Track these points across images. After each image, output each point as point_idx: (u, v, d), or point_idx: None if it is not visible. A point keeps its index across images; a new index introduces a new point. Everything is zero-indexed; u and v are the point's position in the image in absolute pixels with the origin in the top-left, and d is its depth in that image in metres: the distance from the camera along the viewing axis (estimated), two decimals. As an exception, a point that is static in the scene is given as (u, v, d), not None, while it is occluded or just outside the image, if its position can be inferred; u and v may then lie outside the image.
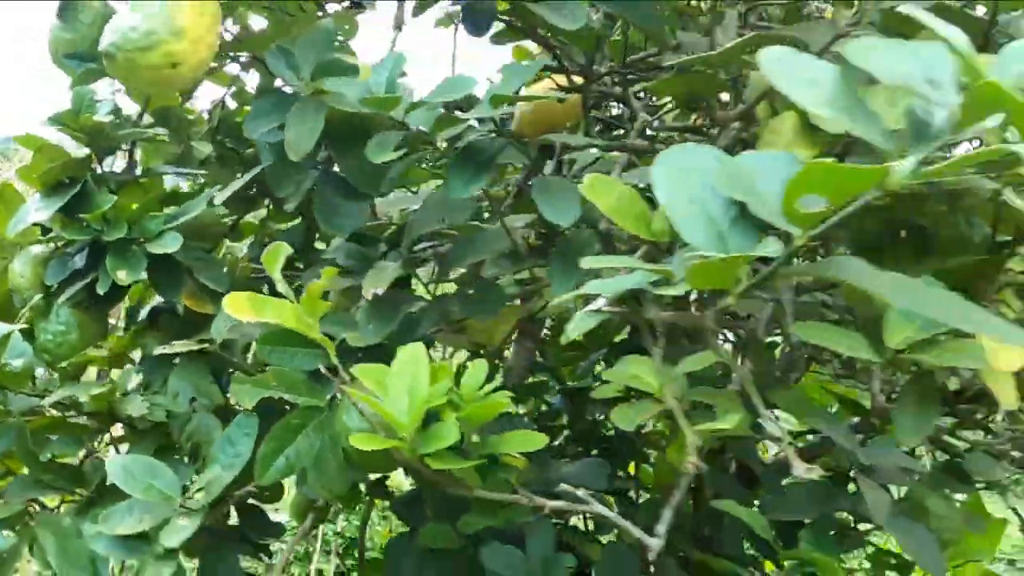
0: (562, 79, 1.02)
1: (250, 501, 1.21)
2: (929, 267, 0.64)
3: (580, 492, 0.72)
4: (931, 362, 0.52)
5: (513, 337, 1.30)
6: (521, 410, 1.55)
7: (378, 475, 1.19)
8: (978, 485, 1.56)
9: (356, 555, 1.84)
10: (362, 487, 1.32)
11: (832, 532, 1.27)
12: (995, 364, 0.49)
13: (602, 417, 1.41)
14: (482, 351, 1.09)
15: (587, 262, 0.48)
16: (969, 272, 0.61)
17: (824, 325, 0.55)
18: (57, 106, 1.01)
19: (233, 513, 1.19)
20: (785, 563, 1.19)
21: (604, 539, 1.32)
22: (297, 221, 1.24)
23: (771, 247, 0.39)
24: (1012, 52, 0.37)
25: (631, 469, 1.47)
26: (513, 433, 0.72)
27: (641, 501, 1.51)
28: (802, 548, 1.18)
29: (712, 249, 0.41)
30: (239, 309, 0.63)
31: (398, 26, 1.15)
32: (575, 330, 0.49)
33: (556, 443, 1.46)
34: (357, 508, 2.00)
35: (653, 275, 0.44)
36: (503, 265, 0.91)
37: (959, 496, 1.68)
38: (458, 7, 0.96)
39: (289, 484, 1.12)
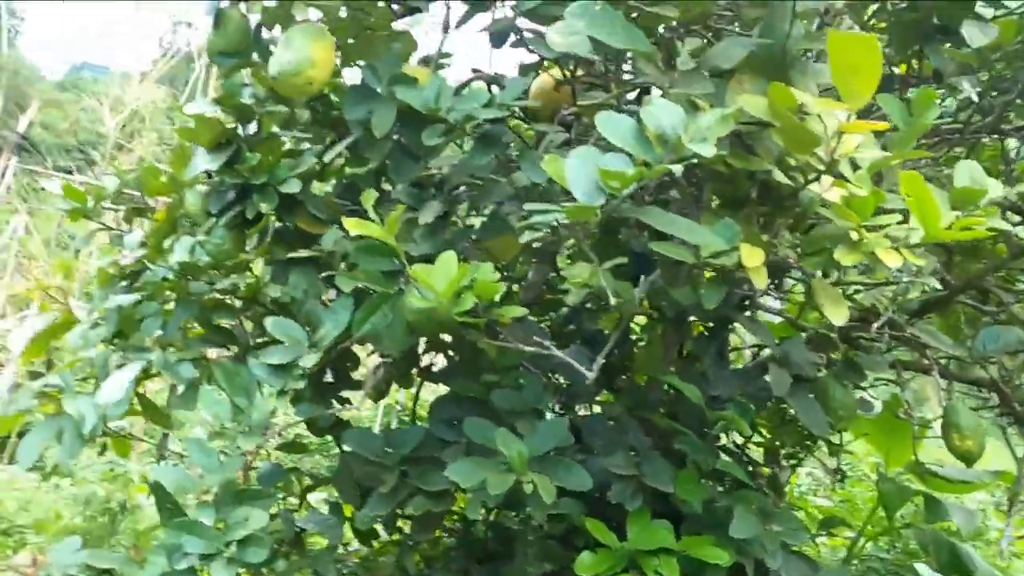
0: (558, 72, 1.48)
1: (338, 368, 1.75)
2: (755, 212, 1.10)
3: (548, 343, 1.21)
4: (722, 263, 0.98)
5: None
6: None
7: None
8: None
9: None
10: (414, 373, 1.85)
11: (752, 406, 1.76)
12: (747, 262, 0.95)
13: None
14: (499, 265, 1.58)
15: (529, 206, 0.95)
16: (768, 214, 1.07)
17: (668, 243, 1.01)
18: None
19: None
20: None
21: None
22: (367, 168, 1.72)
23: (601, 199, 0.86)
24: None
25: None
26: (507, 307, 1.21)
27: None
28: (727, 412, 1.67)
29: (586, 200, 0.88)
30: (352, 226, 1.12)
31: (445, 29, 1.62)
32: (525, 237, 0.97)
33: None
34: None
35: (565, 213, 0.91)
36: (511, 206, 1.39)
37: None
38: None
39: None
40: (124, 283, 1.61)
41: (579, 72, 1.52)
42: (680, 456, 1.71)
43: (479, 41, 1.69)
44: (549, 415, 1.70)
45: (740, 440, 2.20)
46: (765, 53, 1.08)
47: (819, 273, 1.11)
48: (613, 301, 1.07)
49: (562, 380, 1.96)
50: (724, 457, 1.90)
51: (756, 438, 2.14)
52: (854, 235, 0.97)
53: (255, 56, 1.54)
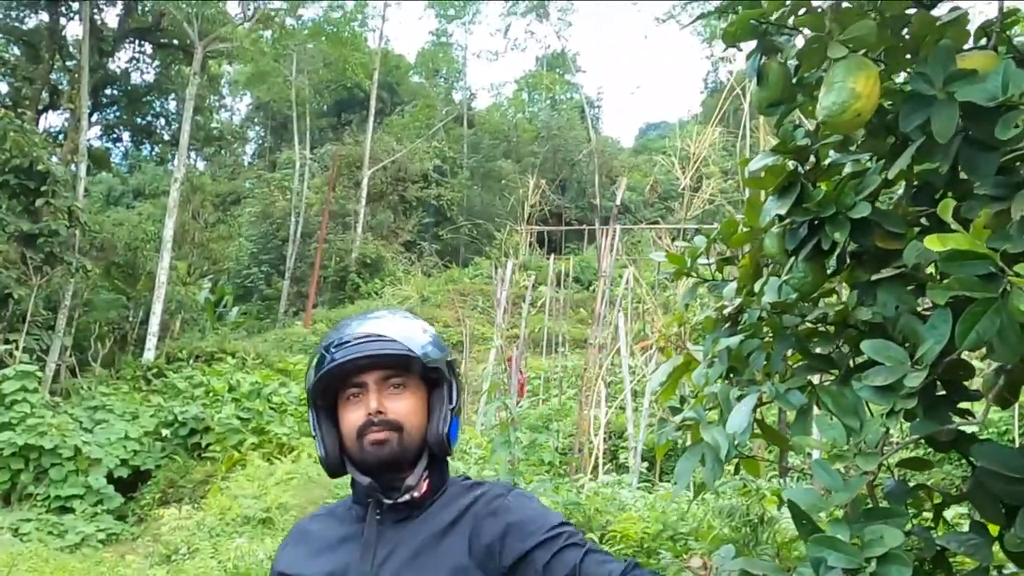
0: None
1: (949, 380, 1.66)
2: None
3: None
4: None
5: None
6: None
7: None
8: None
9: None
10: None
11: None
12: None
13: None
14: None
15: None
16: None
17: None
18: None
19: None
20: None
21: None
22: (935, 166, 1.62)
23: None
24: None
25: None
26: None
27: None
28: None
29: None
30: (933, 244, 1.11)
31: (1000, -6, 1.45)
32: None
33: None
34: None
35: None
36: None
37: None
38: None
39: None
40: (727, 326, 1.85)
41: None
42: None
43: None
44: None
45: None
46: None
47: None
48: None
49: None
50: None
51: None
52: None
53: (800, 98, 1.64)
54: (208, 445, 12.58)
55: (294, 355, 16.94)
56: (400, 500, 1.38)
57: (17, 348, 13.46)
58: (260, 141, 39.08)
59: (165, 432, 12.83)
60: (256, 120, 38.46)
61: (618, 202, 7.87)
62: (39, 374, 12.61)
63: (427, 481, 1.40)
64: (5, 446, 10.94)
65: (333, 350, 1.38)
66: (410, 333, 1.41)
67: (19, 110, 16.43)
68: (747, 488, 3.21)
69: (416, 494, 1.38)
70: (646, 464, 6.51)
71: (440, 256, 27.47)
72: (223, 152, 31.05)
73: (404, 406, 1.38)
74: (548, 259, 15.07)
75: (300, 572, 1.40)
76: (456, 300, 20.17)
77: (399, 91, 35.74)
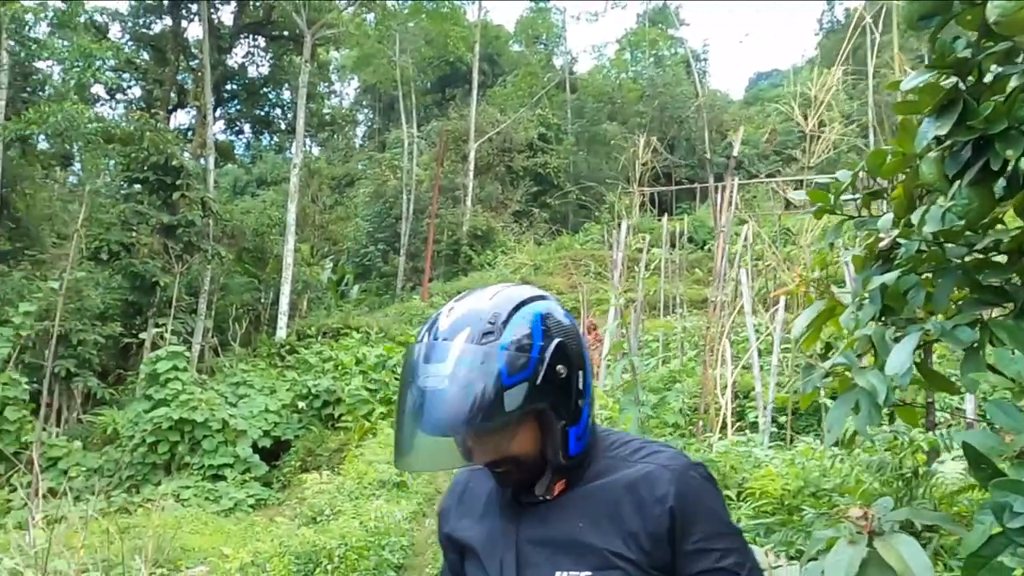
0: None
1: None
2: None
3: None
4: None
5: None
6: None
7: None
8: None
9: None
10: None
11: None
12: None
13: None
14: None
15: None
16: None
17: None
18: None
19: None
20: None
21: None
22: None
23: None
24: None
25: None
26: None
27: None
28: None
29: None
30: None
31: None
32: None
33: None
34: None
35: None
36: None
37: None
38: None
39: None
40: (878, 263, 1.73)
41: None
42: None
43: None
44: None
45: None
46: None
47: None
48: None
49: None
50: None
51: None
52: None
53: (956, 6, 1.49)
54: (340, 416, 13.23)
55: (414, 327, 17.48)
56: (534, 501, 1.30)
57: (166, 331, 14.58)
58: (369, 123, 40.18)
59: (301, 404, 13.59)
60: (364, 103, 39.51)
61: (735, 153, 7.54)
62: (187, 354, 13.62)
63: (562, 482, 1.30)
64: (163, 420, 11.92)
65: (404, 444, 1.23)
66: (488, 400, 1.18)
67: (152, 111, 17.65)
68: (897, 441, 3.01)
69: (548, 496, 1.30)
70: (780, 422, 6.29)
71: (549, 223, 27.43)
72: (336, 136, 32.15)
73: (512, 443, 1.26)
74: (660, 220, 14.71)
75: (463, 536, 1.39)
76: (569, 266, 20.11)
77: (500, 62, 35.67)
